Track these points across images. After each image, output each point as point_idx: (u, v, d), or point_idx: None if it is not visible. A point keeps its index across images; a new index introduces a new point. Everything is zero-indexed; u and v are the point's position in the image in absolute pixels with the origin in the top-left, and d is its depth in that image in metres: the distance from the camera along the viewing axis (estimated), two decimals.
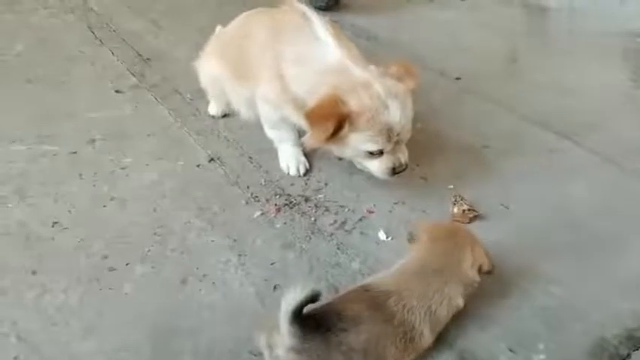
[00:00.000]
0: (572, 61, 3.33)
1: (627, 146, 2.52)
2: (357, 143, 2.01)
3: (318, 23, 2.11)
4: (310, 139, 2.06)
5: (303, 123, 2.09)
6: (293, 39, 2.12)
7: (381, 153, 2.05)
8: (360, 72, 2.00)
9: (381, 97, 1.95)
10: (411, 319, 1.52)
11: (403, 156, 2.09)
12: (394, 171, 2.09)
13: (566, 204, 2.20)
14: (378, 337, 1.48)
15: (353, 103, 1.93)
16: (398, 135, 2.01)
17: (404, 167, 2.10)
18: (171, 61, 3.23)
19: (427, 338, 1.55)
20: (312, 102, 1.99)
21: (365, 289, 1.57)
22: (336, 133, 1.97)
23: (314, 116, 1.96)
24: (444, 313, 1.59)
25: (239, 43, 2.37)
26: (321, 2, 3.77)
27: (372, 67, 2.06)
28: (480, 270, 1.66)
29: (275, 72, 2.13)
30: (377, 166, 2.10)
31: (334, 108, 1.93)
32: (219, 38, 2.65)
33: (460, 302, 1.62)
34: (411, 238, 1.75)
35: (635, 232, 2.06)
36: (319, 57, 2.06)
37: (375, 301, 1.52)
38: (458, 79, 3.10)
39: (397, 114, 1.97)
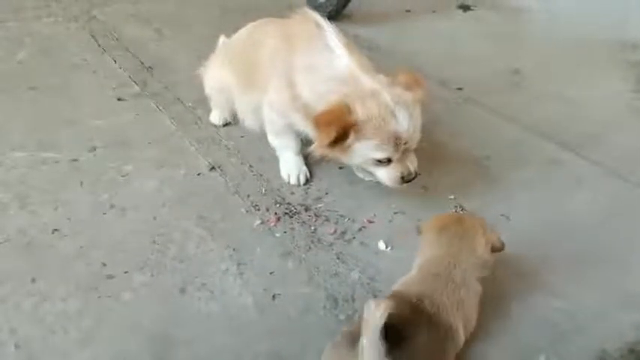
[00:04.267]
0: (574, 72, 3.34)
1: (629, 157, 2.52)
2: (365, 151, 2.02)
3: (331, 32, 2.13)
4: (316, 146, 2.08)
5: (310, 130, 2.11)
6: (305, 47, 2.15)
7: (389, 161, 2.06)
8: (369, 81, 2.02)
9: (389, 106, 1.97)
10: (448, 319, 1.52)
11: (412, 164, 2.09)
12: (403, 179, 2.09)
13: (567, 215, 2.20)
14: (430, 343, 1.46)
15: (360, 112, 1.95)
16: (406, 143, 2.02)
17: (413, 176, 2.10)
18: (173, 69, 3.24)
19: (461, 335, 1.55)
20: (320, 109, 2.01)
21: (396, 297, 1.56)
22: (340, 141, 1.99)
23: (320, 122, 1.99)
24: (471, 303, 1.60)
25: (248, 52, 2.40)
26: (323, 12, 3.78)
27: (382, 76, 2.07)
28: (492, 249, 1.69)
29: (285, 80, 2.16)
30: (386, 175, 2.10)
31: (340, 115, 1.95)
32: (225, 47, 2.66)
33: (479, 287, 1.64)
34: (420, 231, 1.77)
35: (637, 244, 2.05)
36: (329, 65, 2.08)
37: (415, 307, 1.51)
38: (459, 89, 3.10)
39: (405, 122, 1.98)
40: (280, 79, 2.18)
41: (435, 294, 1.55)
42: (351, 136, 1.98)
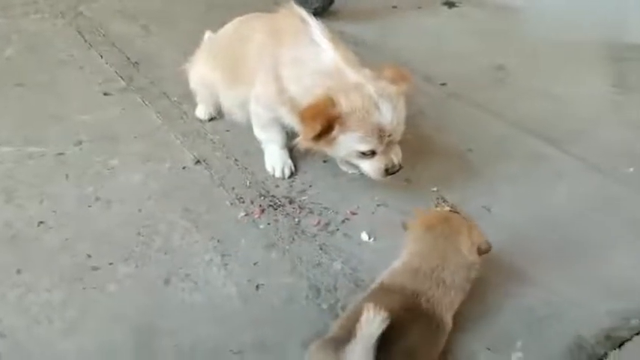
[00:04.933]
0: (558, 69, 3.37)
1: (610, 152, 2.56)
2: (350, 144, 2.04)
3: (316, 27, 2.16)
4: (301, 139, 2.10)
5: (296, 123, 2.14)
6: (291, 41, 2.16)
7: (373, 153, 2.08)
8: (354, 74, 2.05)
9: (373, 98, 1.99)
10: (439, 311, 1.56)
11: (396, 157, 2.12)
12: (387, 172, 2.12)
13: (548, 208, 2.23)
14: (423, 337, 1.50)
15: (344, 104, 1.98)
16: (390, 136, 2.04)
17: (397, 168, 2.13)
18: (159, 65, 3.25)
19: (449, 323, 1.60)
20: (306, 103, 2.03)
21: (388, 289, 1.59)
22: (325, 133, 2.01)
23: (305, 116, 2.02)
24: (458, 300, 1.65)
25: (234, 47, 2.42)
26: (309, 8, 3.80)
27: (367, 70, 2.10)
28: (478, 251, 1.71)
29: (272, 74, 2.18)
30: (370, 167, 2.12)
31: (324, 108, 1.98)
32: (211, 43, 2.67)
33: (467, 286, 1.68)
34: (406, 227, 1.79)
35: (614, 235, 2.09)
36: (315, 59, 2.10)
37: (407, 301, 1.54)
38: (443, 84, 3.13)
39: (388, 114, 2.00)
40: (267, 74, 2.20)
41: (428, 292, 1.59)
42: (336, 129, 2.01)
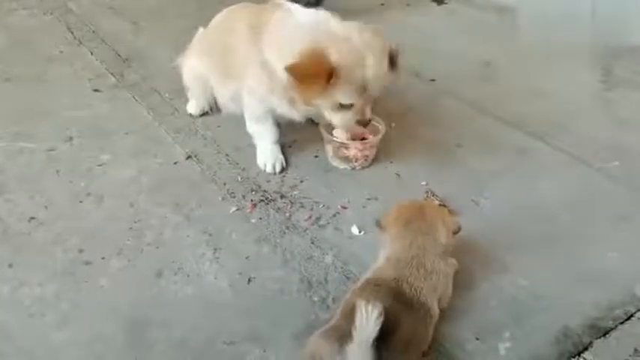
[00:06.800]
0: (545, 65, 3.41)
1: (596, 146, 2.59)
2: (335, 97, 2.03)
3: (295, 7, 2.15)
4: (299, 98, 2.08)
5: (290, 95, 2.12)
6: (272, 28, 2.14)
7: (351, 106, 2.08)
8: (339, 26, 2.03)
9: (360, 51, 1.98)
10: (425, 299, 1.58)
11: (368, 110, 2.12)
12: (358, 123, 2.13)
13: (535, 200, 2.26)
14: (415, 324, 1.52)
15: (336, 57, 1.95)
16: (370, 90, 2.05)
17: (367, 121, 2.14)
18: (150, 61, 3.26)
19: (437, 310, 1.62)
20: (293, 57, 1.97)
21: (376, 283, 1.60)
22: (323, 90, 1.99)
23: (301, 72, 1.96)
24: (444, 285, 1.68)
25: (222, 39, 2.41)
26: (301, 4, 3.81)
27: (353, 22, 2.06)
28: (453, 234, 1.77)
29: (259, 64, 2.16)
30: (341, 118, 2.12)
31: (322, 61, 1.94)
32: (203, 36, 2.67)
33: (450, 270, 1.72)
34: (381, 226, 1.80)
35: (599, 226, 2.12)
36: (295, 23, 2.09)
37: (395, 291, 1.56)
38: (432, 80, 3.16)
39: (374, 69, 2.00)
40: (255, 65, 2.19)
41: (410, 277, 1.61)
42: (331, 83, 1.97)
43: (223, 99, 2.56)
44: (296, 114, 2.28)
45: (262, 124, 2.41)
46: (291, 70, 1.96)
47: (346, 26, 2.05)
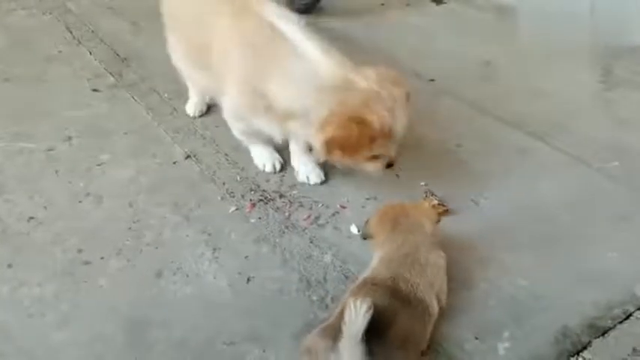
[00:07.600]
0: (545, 65, 3.40)
1: (595, 146, 2.58)
2: (372, 152, 2.01)
3: (292, 32, 2.03)
4: (335, 161, 2.07)
5: (308, 140, 2.09)
6: (270, 54, 2.02)
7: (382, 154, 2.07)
8: (363, 82, 1.94)
9: (392, 109, 1.95)
10: (423, 295, 1.59)
11: (394, 152, 2.10)
12: (387, 167, 2.12)
13: (534, 200, 2.26)
14: (412, 321, 1.52)
15: (375, 122, 1.91)
16: (399, 137, 2.04)
17: (394, 161, 2.13)
18: (149, 61, 3.25)
19: (435, 307, 1.62)
20: (320, 122, 1.92)
21: (373, 282, 1.60)
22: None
23: (344, 144, 1.93)
24: (439, 278, 1.68)
25: (196, 29, 2.27)
26: (298, 4, 3.81)
27: (368, 70, 1.99)
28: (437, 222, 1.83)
29: (250, 87, 2.06)
30: (374, 166, 2.09)
31: (366, 132, 1.90)
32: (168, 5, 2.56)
33: (442, 261, 1.72)
34: (368, 235, 1.82)
35: (599, 226, 2.12)
36: (309, 71, 1.97)
37: (392, 289, 1.57)
38: (432, 80, 3.16)
39: (403, 121, 1.99)
40: (242, 84, 2.09)
41: (406, 274, 1.62)
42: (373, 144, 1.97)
43: (199, 85, 2.51)
44: (277, 134, 2.18)
45: (249, 137, 2.36)
46: (333, 143, 1.94)
47: (366, 75, 1.96)
